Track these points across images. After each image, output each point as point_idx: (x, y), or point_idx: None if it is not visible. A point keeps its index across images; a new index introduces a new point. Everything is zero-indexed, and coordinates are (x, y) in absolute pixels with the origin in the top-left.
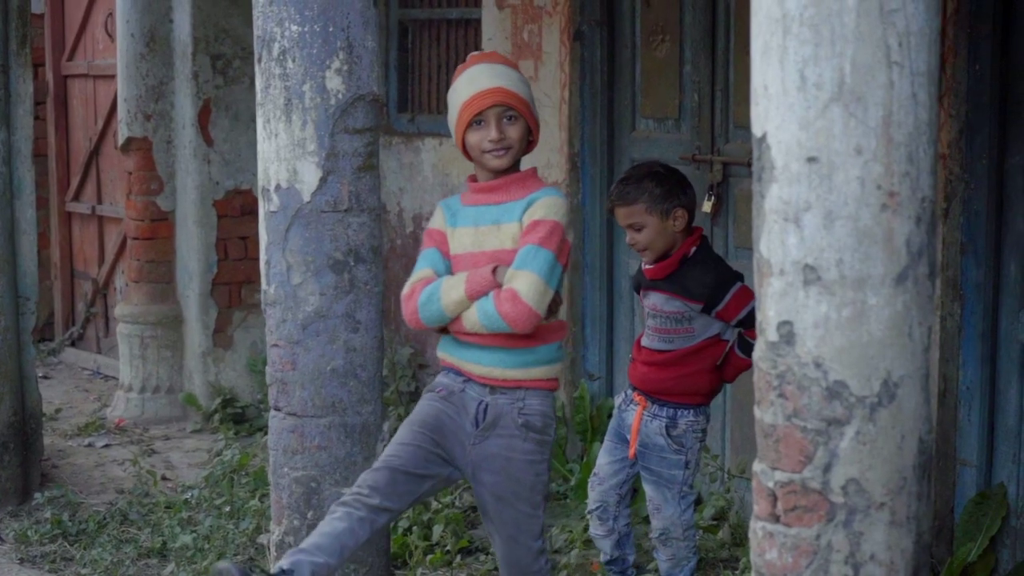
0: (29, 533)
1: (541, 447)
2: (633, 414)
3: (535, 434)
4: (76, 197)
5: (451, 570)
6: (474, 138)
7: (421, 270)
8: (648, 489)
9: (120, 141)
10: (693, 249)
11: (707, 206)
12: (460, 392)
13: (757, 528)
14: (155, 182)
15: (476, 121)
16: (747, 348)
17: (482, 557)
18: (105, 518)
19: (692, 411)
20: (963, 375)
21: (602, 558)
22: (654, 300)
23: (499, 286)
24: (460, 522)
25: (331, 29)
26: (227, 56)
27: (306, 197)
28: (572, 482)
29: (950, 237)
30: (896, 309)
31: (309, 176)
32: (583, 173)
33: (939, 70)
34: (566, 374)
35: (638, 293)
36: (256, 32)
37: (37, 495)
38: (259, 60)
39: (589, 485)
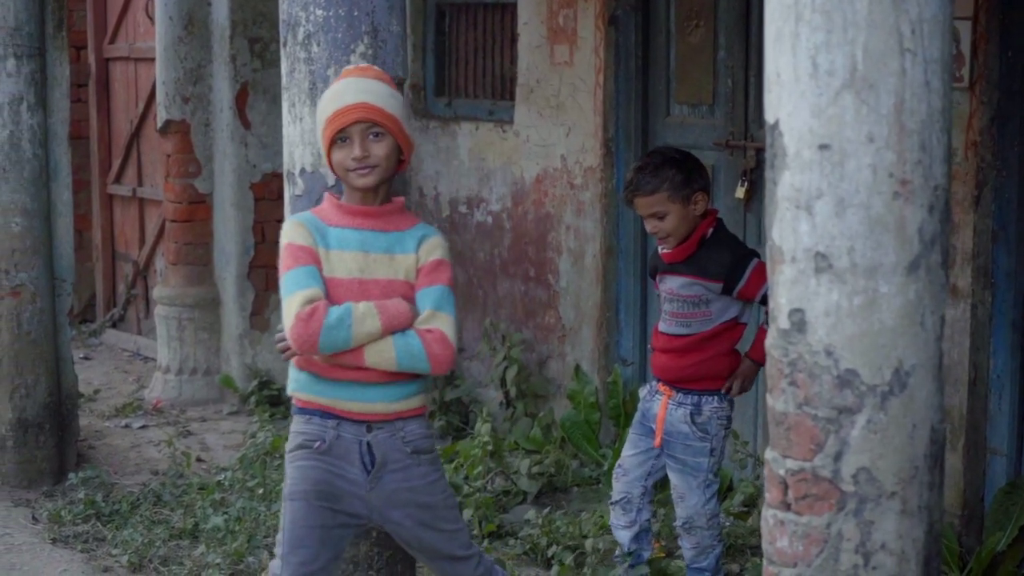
0: (63, 513)
1: (434, 464)
2: (658, 404)
3: (425, 455)
4: (117, 179)
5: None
6: (339, 156)
7: (309, 288)
8: (673, 477)
9: (159, 124)
10: (710, 231)
11: (740, 192)
12: (335, 439)
13: (768, 516)
14: (193, 165)
15: (340, 138)
16: None
17: (511, 541)
18: (138, 499)
19: (716, 398)
20: (993, 364)
21: (617, 552)
22: (671, 284)
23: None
24: (490, 506)
25: (356, 13)
26: (264, 39)
27: (331, 181)
28: (604, 467)
29: (981, 224)
30: (908, 298)
31: None
32: (617, 158)
33: (953, 57)
34: (600, 359)
35: (653, 278)
36: (282, 16)
37: (71, 476)
38: (284, 44)
39: (614, 476)
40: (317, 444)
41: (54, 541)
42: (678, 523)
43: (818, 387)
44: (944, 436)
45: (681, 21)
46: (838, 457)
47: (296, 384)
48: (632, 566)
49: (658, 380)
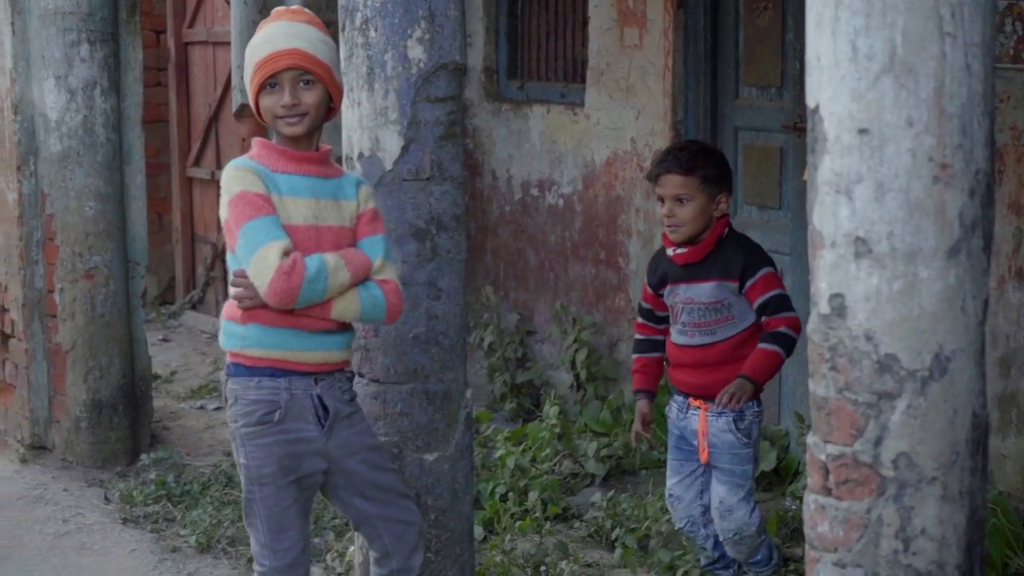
0: (134, 494)
1: (361, 410)
2: (696, 420)
3: (356, 404)
4: (196, 163)
5: (541, 536)
6: (267, 102)
7: (282, 240)
8: (720, 490)
9: (234, 108)
10: (726, 230)
11: (807, 174)
12: (289, 400)
13: (810, 501)
14: None
15: (270, 84)
16: (766, 338)
17: (576, 524)
18: (209, 480)
19: (755, 401)
20: None
21: (702, 560)
22: (691, 293)
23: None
24: (556, 489)
25: None
26: (337, 23)
27: (388, 166)
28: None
29: None
30: (948, 282)
31: (391, 145)
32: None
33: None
34: None
35: (658, 288)
36: (340, 1)
37: (144, 457)
38: (342, 29)
39: (668, 504)
40: (277, 414)
41: (124, 521)
42: (725, 536)
43: (858, 372)
44: (986, 421)
45: (749, 3)
46: (878, 442)
47: (243, 340)
48: (726, 567)
49: (686, 396)
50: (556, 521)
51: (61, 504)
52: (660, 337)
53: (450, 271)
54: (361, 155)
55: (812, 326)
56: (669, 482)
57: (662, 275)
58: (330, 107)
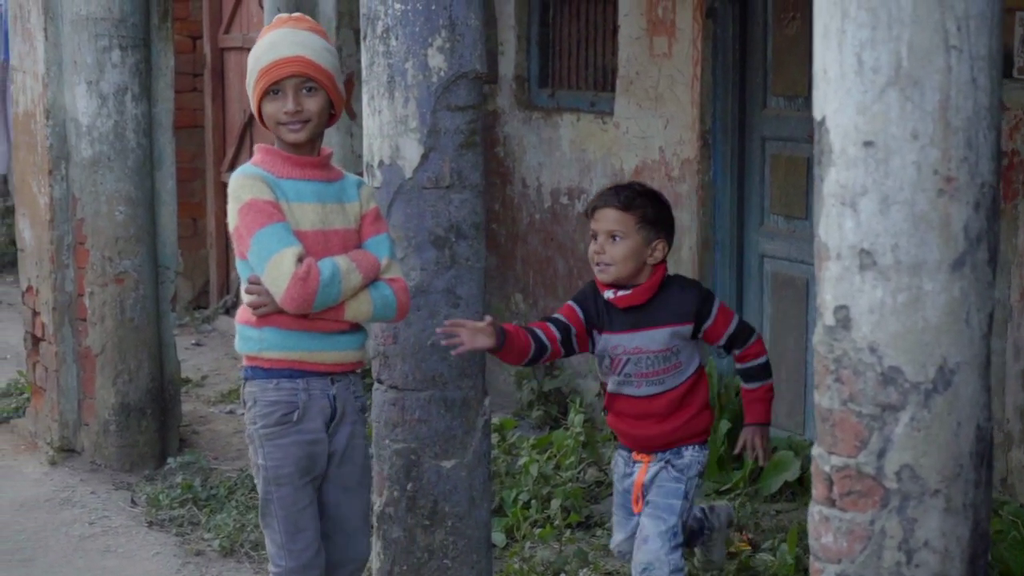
0: (160, 497)
1: (365, 428)
2: (638, 473)
3: (363, 414)
4: (231, 168)
5: (561, 544)
6: (270, 108)
7: (296, 246)
8: (644, 521)
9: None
10: (665, 275)
11: None
12: (306, 400)
13: (814, 512)
14: None
15: (273, 90)
16: (751, 374)
17: (598, 532)
18: (235, 484)
19: (697, 446)
20: None
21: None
22: (639, 342)
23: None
24: (579, 497)
25: (433, 7)
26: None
27: (408, 173)
28: None
29: None
30: (953, 295)
31: (411, 153)
32: (714, 151)
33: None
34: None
35: (586, 338)
36: (362, 10)
37: (170, 460)
38: (364, 37)
39: (621, 557)
40: (295, 414)
41: (150, 524)
42: (636, 569)
43: (862, 384)
44: (991, 434)
45: (778, 13)
46: (882, 454)
47: (260, 343)
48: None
49: (630, 451)
50: (579, 529)
51: (88, 507)
52: (549, 346)
53: (469, 279)
54: (381, 163)
55: (817, 338)
56: (617, 537)
57: (592, 320)
58: (331, 114)
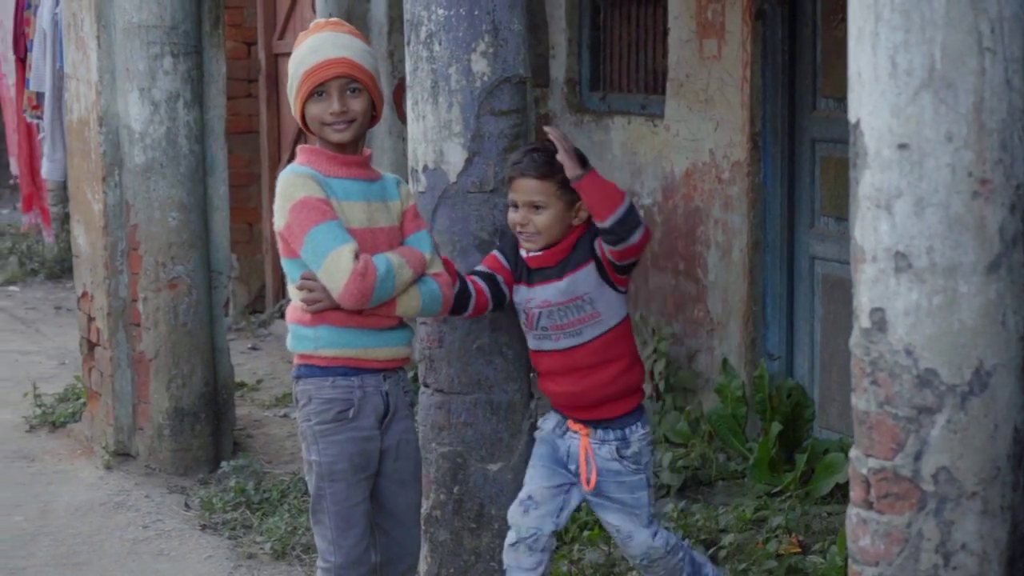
0: (214, 501)
1: (415, 422)
2: (576, 444)
3: (412, 409)
4: None
5: (610, 547)
6: (315, 109)
7: (352, 242)
8: (612, 519)
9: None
10: (585, 233)
11: None
12: (361, 397)
13: (852, 514)
14: None
15: (318, 92)
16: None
17: None
18: (288, 488)
19: (640, 423)
20: None
21: None
22: (545, 294)
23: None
24: None
25: (476, 12)
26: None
27: (452, 178)
28: (750, 461)
29: None
30: (988, 297)
31: (455, 157)
32: (764, 153)
33: None
34: (747, 353)
35: (512, 284)
36: (406, 16)
37: (224, 464)
38: (408, 43)
39: (519, 510)
40: (351, 411)
41: (203, 528)
42: (635, 562)
43: (898, 386)
44: None
45: (827, 15)
46: (918, 456)
47: (315, 342)
48: None
49: (564, 417)
50: None
51: (142, 510)
52: (473, 293)
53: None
54: (426, 167)
55: (854, 340)
56: (532, 483)
57: (515, 267)
58: (373, 115)
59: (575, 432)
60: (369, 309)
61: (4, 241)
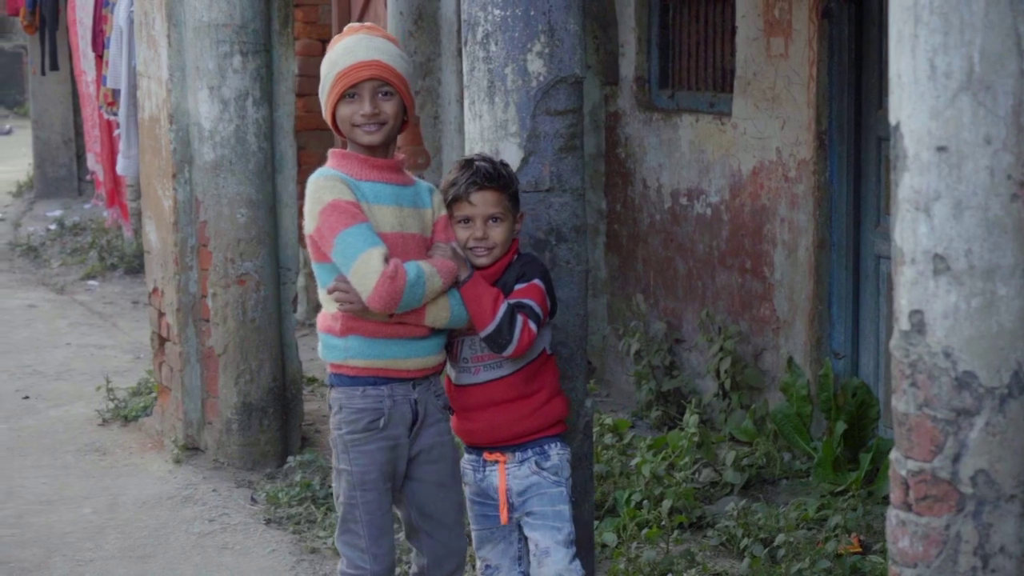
0: (280, 495)
1: (450, 424)
2: (495, 475)
3: (447, 411)
4: None
5: (668, 545)
6: (346, 111)
7: (382, 245)
8: (533, 535)
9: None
10: (516, 255)
11: None
12: (391, 406)
13: (892, 516)
14: (422, 156)
15: (349, 94)
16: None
17: (709, 532)
18: None
19: (559, 443)
20: None
21: None
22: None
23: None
24: (690, 497)
25: (532, 13)
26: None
27: None
28: (815, 460)
29: None
30: None
31: (511, 157)
32: (830, 151)
33: None
34: (812, 352)
35: None
36: (463, 16)
37: (290, 459)
38: (465, 43)
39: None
40: (382, 420)
41: (268, 522)
42: None
43: (937, 388)
44: None
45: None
46: (957, 459)
47: (345, 352)
48: None
49: (479, 451)
50: (692, 529)
51: (209, 504)
52: None
53: (570, 281)
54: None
55: (894, 342)
56: (480, 552)
57: None
58: (404, 119)
59: (492, 463)
60: (398, 317)
61: (85, 236)
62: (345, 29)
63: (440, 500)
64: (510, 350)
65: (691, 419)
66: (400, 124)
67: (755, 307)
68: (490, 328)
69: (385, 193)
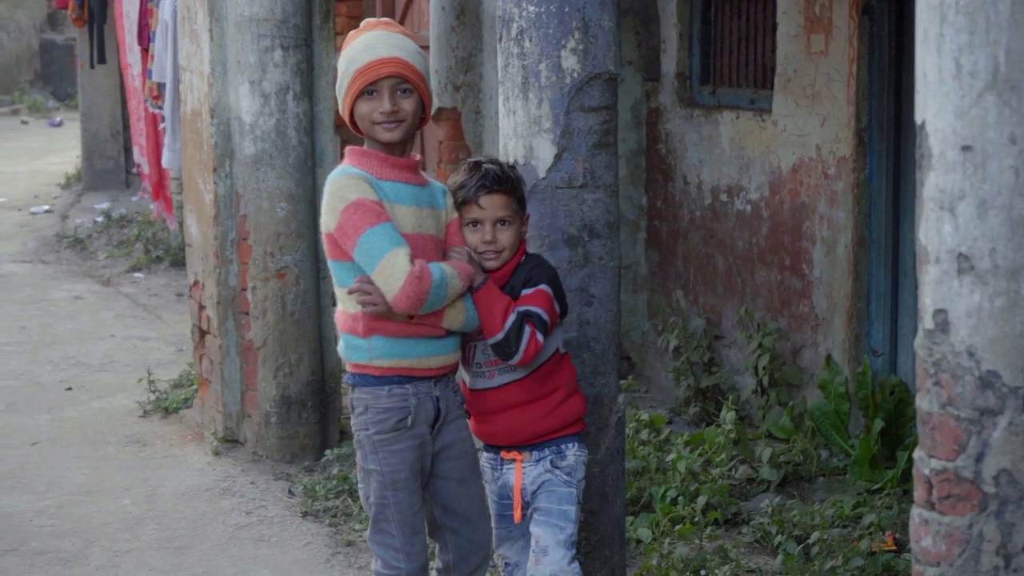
0: (317, 488)
1: (467, 420)
2: (512, 474)
3: (463, 408)
4: None
5: (701, 541)
6: (365, 108)
7: (404, 246)
8: (536, 530)
9: (432, 111)
10: (524, 257)
11: None
12: (416, 404)
13: (915, 515)
14: (463, 151)
15: (368, 91)
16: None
17: (743, 529)
18: None
19: (577, 444)
20: None
21: None
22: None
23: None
24: (725, 493)
25: (567, 9)
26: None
27: (541, 173)
28: (852, 457)
29: None
30: None
31: (544, 153)
32: (869, 149)
33: None
34: (851, 349)
35: None
36: (498, 12)
37: (328, 452)
38: (500, 39)
39: (506, 574)
40: (409, 419)
41: (304, 515)
42: None
43: (960, 388)
44: None
45: None
46: (980, 458)
47: (369, 352)
48: None
49: (497, 450)
50: (727, 526)
51: (246, 496)
52: None
53: (602, 277)
54: (516, 163)
55: (918, 341)
56: (499, 550)
57: None
58: (422, 116)
59: (509, 461)
60: (418, 318)
61: (131, 228)
62: (362, 24)
63: (463, 496)
64: (516, 359)
65: (728, 416)
66: (418, 122)
67: (794, 304)
68: (498, 337)
69: (405, 193)
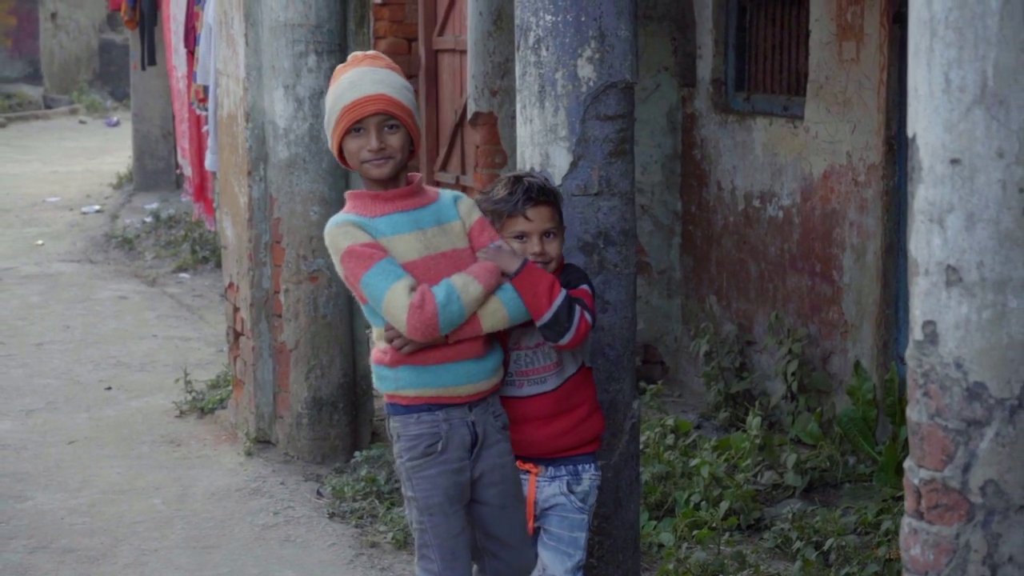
0: (345, 489)
1: (510, 441)
2: (525, 486)
3: (506, 431)
4: (443, 167)
5: (719, 546)
6: (353, 145)
7: (404, 277)
8: (545, 556)
9: (469, 115)
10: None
11: None
12: (448, 430)
13: (904, 524)
14: (499, 155)
15: (355, 128)
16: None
17: (765, 535)
18: None
19: (593, 465)
20: None
21: None
22: (520, 336)
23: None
24: (748, 499)
25: (583, 19)
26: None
27: (557, 181)
28: (879, 464)
29: None
30: None
31: (560, 161)
32: (899, 156)
33: None
34: (879, 356)
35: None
36: (516, 21)
37: (357, 454)
38: (518, 48)
39: None
40: (439, 444)
41: (331, 516)
42: None
43: (948, 399)
44: None
45: None
46: (967, 469)
47: (395, 383)
48: None
49: (515, 458)
50: (750, 531)
51: (275, 497)
52: None
53: (617, 284)
54: (532, 170)
55: (908, 352)
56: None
57: None
58: (411, 150)
59: (524, 472)
60: (455, 335)
61: (178, 228)
62: (349, 59)
63: (504, 521)
64: (568, 338)
65: (754, 421)
66: (408, 155)
67: (824, 310)
68: (547, 316)
69: (402, 222)
